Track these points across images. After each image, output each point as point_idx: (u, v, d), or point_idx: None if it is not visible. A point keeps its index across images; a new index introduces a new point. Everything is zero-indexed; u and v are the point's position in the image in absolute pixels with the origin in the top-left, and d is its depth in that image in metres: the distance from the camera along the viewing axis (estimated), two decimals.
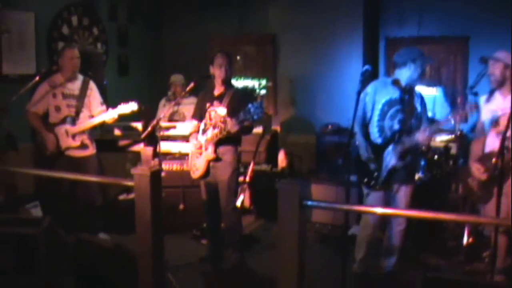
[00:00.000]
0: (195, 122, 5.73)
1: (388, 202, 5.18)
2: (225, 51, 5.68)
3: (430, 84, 7.73)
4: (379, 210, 4.15)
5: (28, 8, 6.98)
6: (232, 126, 5.16)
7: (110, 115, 5.99)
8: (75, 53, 6.11)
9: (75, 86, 6.15)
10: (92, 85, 6.26)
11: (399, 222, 5.27)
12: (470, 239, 5.81)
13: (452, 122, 5.02)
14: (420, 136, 4.98)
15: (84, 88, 6.17)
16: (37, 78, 5.90)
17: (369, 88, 5.17)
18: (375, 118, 5.11)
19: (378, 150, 5.08)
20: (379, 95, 5.10)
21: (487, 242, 5.79)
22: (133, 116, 6.35)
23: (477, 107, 4.83)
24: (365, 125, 5.15)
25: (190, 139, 5.77)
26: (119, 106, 5.94)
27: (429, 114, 7.19)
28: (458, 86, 7.86)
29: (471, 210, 6.08)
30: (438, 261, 5.77)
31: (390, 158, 5.02)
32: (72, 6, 7.72)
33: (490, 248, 5.52)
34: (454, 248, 5.93)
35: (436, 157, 6.55)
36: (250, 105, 4.92)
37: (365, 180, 5.12)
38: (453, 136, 6.34)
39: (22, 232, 4.26)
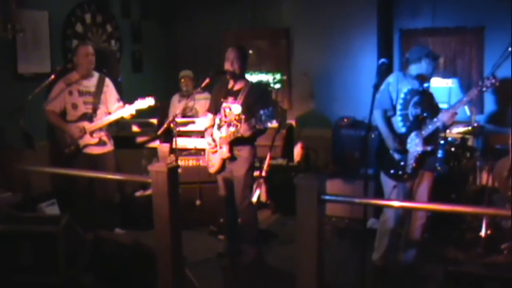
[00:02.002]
0: (210, 115, 5.74)
1: (412, 194, 5.17)
2: (236, 45, 5.67)
3: (445, 75, 7.67)
4: (396, 203, 4.12)
5: (42, 7, 7.00)
6: (244, 131, 5.22)
7: (128, 111, 5.99)
8: (89, 49, 6.12)
9: (91, 83, 6.16)
10: (108, 81, 6.27)
11: (420, 216, 5.24)
12: (489, 231, 5.79)
13: (469, 112, 5.00)
14: (444, 116, 4.97)
15: (100, 85, 6.18)
16: (53, 76, 5.91)
17: (391, 78, 5.18)
18: (398, 107, 5.11)
19: (402, 140, 5.07)
20: (401, 84, 5.11)
21: (505, 234, 5.77)
22: (149, 112, 6.36)
23: (496, 79, 4.76)
24: (387, 117, 5.13)
25: (205, 135, 5.77)
26: (136, 102, 5.95)
27: (445, 106, 7.17)
28: (474, 77, 7.79)
29: (489, 202, 6.05)
30: (457, 254, 5.74)
31: (416, 145, 4.99)
32: (85, 3, 7.72)
33: (509, 240, 5.50)
34: (472, 240, 5.90)
35: (453, 149, 6.51)
36: (262, 112, 4.97)
37: (392, 171, 5.10)
38: (469, 127, 6.30)
39: (41, 230, 4.28)
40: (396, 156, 5.04)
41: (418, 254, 5.33)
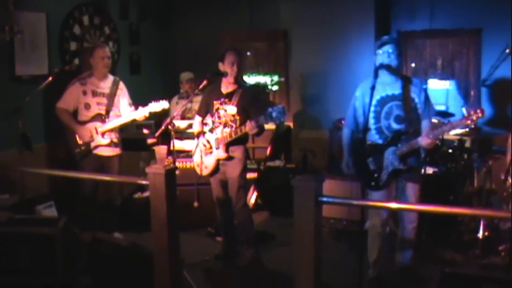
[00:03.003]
0: (199, 118, 5.74)
1: (394, 200, 5.09)
2: (236, 48, 5.67)
3: (443, 77, 7.69)
4: (394, 205, 4.12)
5: (40, 8, 6.99)
6: (251, 128, 5.16)
7: (140, 113, 5.97)
8: (106, 52, 6.15)
9: (105, 85, 6.18)
10: (122, 85, 6.29)
11: (411, 220, 5.12)
12: (486, 233, 5.80)
13: (460, 126, 4.92)
14: (423, 140, 4.76)
15: (114, 87, 6.20)
16: (50, 78, 5.91)
17: (357, 92, 5.06)
18: (371, 121, 4.96)
19: (380, 150, 4.95)
20: (368, 97, 4.73)
21: (503, 235, 5.78)
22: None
23: (483, 113, 4.65)
24: (360, 130, 5.01)
25: (198, 138, 5.76)
26: (150, 104, 5.92)
27: (443, 107, 7.18)
28: (471, 79, 7.81)
29: (486, 204, 6.06)
30: (454, 255, 5.74)
31: (391, 160, 4.87)
32: (83, 5, 7.72)
33: (507, 242, 5.50)
34: (470, 242, 5.90)
35: (450, 150, 6.52)
36: (271, 110, 4.89)
37: (365, 181, 4.99)
38: (467, 129, 6.30)
39: (39, 232, 4.28)
40: (371, 166, 4.99)
41: (414, 255, 5.31)
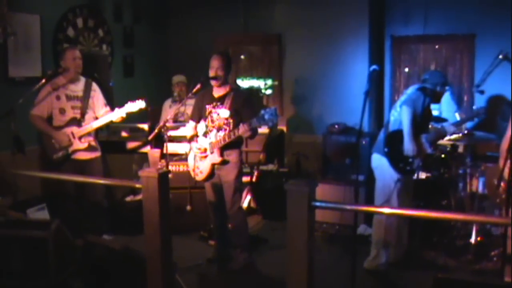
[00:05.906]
0: (193, 123, 5.72)
1: None
2: (220, 52, 5.67)
3: None
4: (386, 210, 4.13)
5: (34, 10, 6.98)
6: (244, 131, 5.17)
7: (118, 114, 5.94)
8: (77, 53, 6.06)
9: (78, 88, 6.11)
10: (95, 86, 6.23)
11: None
12: (479, 238, 5.81)
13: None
14: (451, 128, 5.55)
15: (87, 89, 6.13)
16: (43, 80, 5.88)
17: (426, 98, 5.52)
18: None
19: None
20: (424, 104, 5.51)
21: (495, 241, 5.79)
22: (139, 117, 6.33)
23: (485, 112, 4.91)
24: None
25: (191, 143, 5.74)
26: (126, 105, 5.90)
27: (436, 112, 7.21)
28: (465, 84, 7.83)
29: (479, 209, 6.07)
30: (446, 260, 5.75)
31: (425, 148, 5.42)
32: (77, 8, 7.70)
33: (499, 247, 5.52)
34: (462, 247, 5.92)
35: (443, 155, 6.53)
36: (263, 112, 4.91)
37: (401, 165, 5.32)
38: (460, 134, 6.32)
39: (31, 235, 4.26)
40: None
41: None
